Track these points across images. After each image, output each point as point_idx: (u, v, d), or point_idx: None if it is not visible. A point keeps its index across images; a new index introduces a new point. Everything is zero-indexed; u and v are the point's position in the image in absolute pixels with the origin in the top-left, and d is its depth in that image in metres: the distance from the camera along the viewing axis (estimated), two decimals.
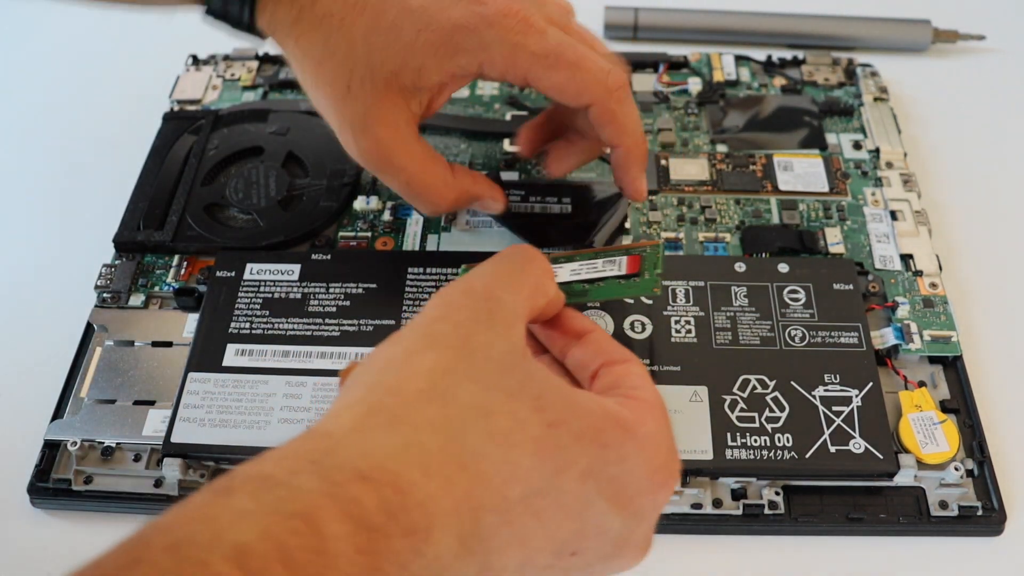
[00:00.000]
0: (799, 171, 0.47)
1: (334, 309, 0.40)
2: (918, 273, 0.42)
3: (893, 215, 0.44)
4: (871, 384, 0.37)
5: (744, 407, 0.37)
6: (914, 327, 0.40)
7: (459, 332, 0.26)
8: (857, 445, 0.36)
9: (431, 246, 0.44)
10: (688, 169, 0.47)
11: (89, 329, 0.41)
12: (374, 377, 0.26)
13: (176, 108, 0.51)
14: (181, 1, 0.38)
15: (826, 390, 0.37)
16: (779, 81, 0.52)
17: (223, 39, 0.51)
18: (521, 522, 0.24)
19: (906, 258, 0.43)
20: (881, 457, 0.35)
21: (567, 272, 0.34)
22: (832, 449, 0.36)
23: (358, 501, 0.22)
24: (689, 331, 0.39)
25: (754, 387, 0.37)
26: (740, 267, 0.41)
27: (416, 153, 0.37)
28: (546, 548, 0.25)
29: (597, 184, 0.45)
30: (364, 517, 0.22)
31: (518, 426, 0.25)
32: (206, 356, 0.38)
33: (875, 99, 0.50)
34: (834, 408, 0.37)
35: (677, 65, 0.53)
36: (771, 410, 0.37)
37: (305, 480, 0.22)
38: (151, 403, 0.38)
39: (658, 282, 0.36)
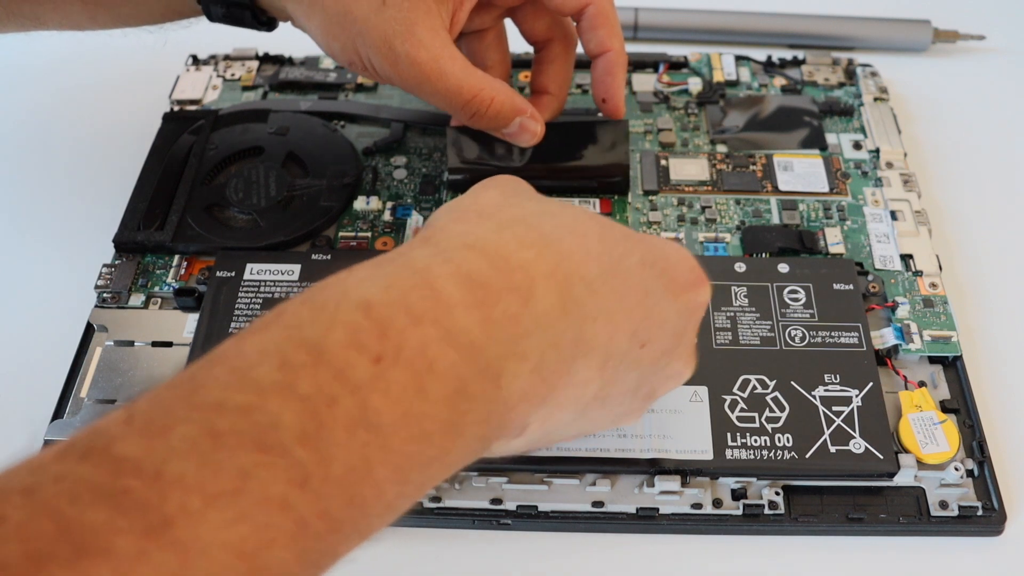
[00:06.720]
0: (799, 171, 0.47)
1: None
2: (918, 273, 0.42)
3: (893, 215, 0.44)
4: (871, 384, 0.37)
5: (744, 407, 0.37)
6: (914, 327, 0.40)
7: (505, 187, 0.31)
8: (857, 445, 0.36)
9: None
10: (688, 169, 0.47)
11: (89, 329, 0.41)
12: (451, 206, 0.31)
13: (176, 108, 0.51)
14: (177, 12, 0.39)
15: (826, 390, 0.37)
16: (779, 81, 0.52)
17: (223, 39, 0.52)
18: (604, 296, 0.28)
19: (906, 258, 0.43)
20: (881, 457, 0.35)
21: None
22: (832, 449, 0.36)
23: (467, 261, 0.26)
24: None
25: (754, 387, 0.37)
26: (740, 267, 0.41)
27: (458, 58, 0.38)
28: (625, 328, 0.29)
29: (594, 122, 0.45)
30: (473, 275, 0.26)
31: (579, 223, 0.29)
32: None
33: (875, 99, 0.50)
34: (834, 408, 0.37)
35: (677, 65, 0.53)
36: (771, 410, 0.37)
37: (418, 252, 0.27)
38: None
39: (628, 224, 0.39)
